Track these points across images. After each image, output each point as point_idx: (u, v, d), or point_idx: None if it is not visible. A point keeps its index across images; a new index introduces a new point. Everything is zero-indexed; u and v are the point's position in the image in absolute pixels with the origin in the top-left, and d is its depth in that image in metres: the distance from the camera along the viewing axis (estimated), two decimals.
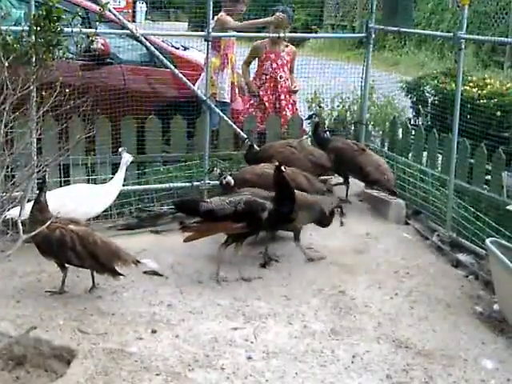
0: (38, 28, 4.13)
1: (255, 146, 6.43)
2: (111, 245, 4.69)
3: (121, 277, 4.69)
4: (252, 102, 7.77)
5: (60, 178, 6.06)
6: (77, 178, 6.14)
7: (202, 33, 6.42)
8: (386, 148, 7.47)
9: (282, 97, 7.73)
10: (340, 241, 5.74)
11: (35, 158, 5.21)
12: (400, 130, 7.42)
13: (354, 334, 4.43)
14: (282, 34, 7.32)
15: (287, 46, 7.83)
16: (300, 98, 8.07)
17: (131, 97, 6.61)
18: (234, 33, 7.50)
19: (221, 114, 6.74)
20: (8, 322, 4.30)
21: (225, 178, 5.64)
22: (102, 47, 6.74)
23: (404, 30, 7.35)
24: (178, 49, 7.69)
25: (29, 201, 4.52)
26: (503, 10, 16.97)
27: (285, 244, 5.76)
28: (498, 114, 7.17)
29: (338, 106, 8.13)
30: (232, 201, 5.01)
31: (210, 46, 6.40)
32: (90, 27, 6.10)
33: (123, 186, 5.78)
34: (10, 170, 4.11)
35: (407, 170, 6.73)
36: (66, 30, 4.39)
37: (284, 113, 7.66)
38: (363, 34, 7.24)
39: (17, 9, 6.80)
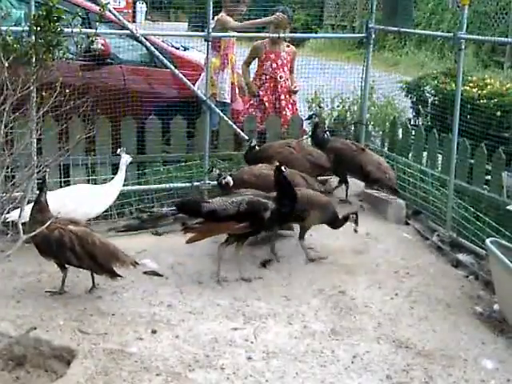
0: (38, 28, 4.14)
1: (256, 147, 6.43)
2: (110, 245, 4.69)
3: (119, 278, 4.68)
4: (252, 102, 7.77)
5: (60, 178, 6.07)
6: (77, 179, 6.14)
7: (202, 33, 6.42)
8: (386, 148, 7.47)
9: (282, 97, 7.73)
10: (340, 241, 5.73)
11: (35, 158, 5.21)
12: (400, 130, 7.41)
13: (354, 335, 4.44)
14: (281, 34, 7.32)
15: (288, 46, 7.83)
16: (300, 98, 8.07)
17: (131, 97, 6.61)
18: (234, 33, 7.50)
19: (221, 114, 6.74)
20: (8, 322, 4.30)
21: (224, 179, 5.65)
22: (102, 47, 6.74)
23: (404, 30, 7.37)
24: (178, 49, 7.69)
25: (29, 202, 4.52)
26: (503, 10, 16.98)
27: (285, 244, 5.76)
28: (498, 114, 7.16)
29: (338, 107, 8.13)
30: (234, 201, 5.01)
31: (210, 46, 6.40)
32: (90, 27, 6.09)
33: (123, 186, 5.78)
34: (10, 170, 4.11)
35: (407, 170, 6.72)
36: (66, 30, 4.40)
37: (284, 113, 7.66)
38: (363, 34, 7.24)
39: (17, 9, 6.80)
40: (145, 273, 5.17)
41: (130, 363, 3.96)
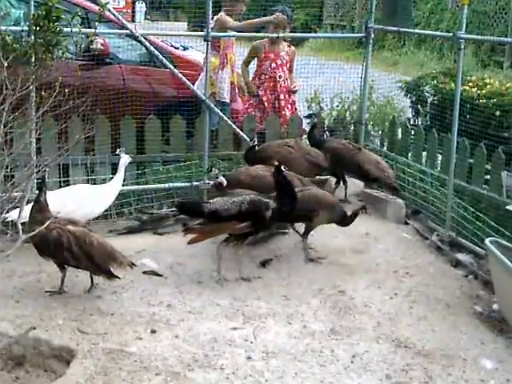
0: (38, 28, 4.14)
1: (256, 146, 6.43)
2: (107, 246, 4.68)
3: (116, 279, 4.67)
4: (251, 101, 7.77)
5: (59, 177, 6.06)
6: (76, 178, 6.14)
7: (202, 33, 6.41)
8: (385, 148, 7.47)
9: (282, 96, 7.73)
10: (339, 241, 5.73)
11: (34, 157, 5.21)
12: (399, 130, 7.41)
13: (353, 334, 4.44)
14: (281, 34, 7.32)
15: (289, 47, 7.83)
16: (299, 98, 8.06)
17: (130, 97, 6.61)
18: (234, 33, 7.50)
19: (220, 113, 6.74)
20: (7, 322, 4.30)
21: (216, 178, 5.66)
22: (102, 47, 6.74)
23: (403, 29, 7.37)
24: (177, 49, 7.70)
25: (28, 203, 4.52)
26: (502, 9, 16.98)
27: (285, 244, 5.76)
28: (498, 113, 7.17)
29: (338, 106, 8.12)
30: (236, 201, 5.01)
31: (209, 46, 6.40)
32: (90, 27, 6.09)
33: (122, 185, 5.78)
34: (9, 170, 4.11)
35: (407, 170, 6.72)
36: (65, 30, 4.40)
37: (283, 112, 7.66)
38: (362, 34, 7.24)
39: (16, 9, 6.80)
40: (144, 272, 5.17)
41: (130, 363, 3.96)
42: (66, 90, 4.20)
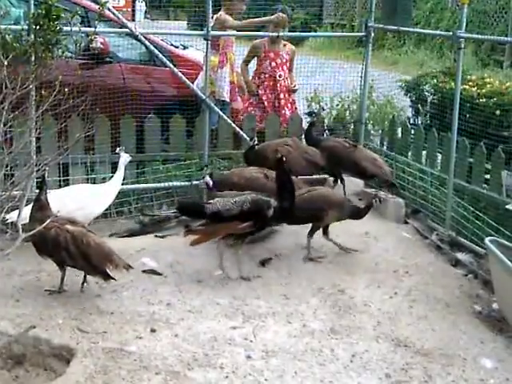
0: (38, 27, 4.14)
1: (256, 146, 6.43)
2: (104, 247, 4.67)
3: (112, 280, 4.66)
4: (251, 100, 7.77)
5: (59, 177, 6.06)
6: (76, 177, 6.14)
7: (202, 32, 6.41)
8: (385, 147, 7.47)
9: (281, 96, 7.74)
10: (339, 240, 5.72)
11: (34, 156, 5.21)
12: (399, 129, 7.41)
13: (353, 333, 4.44)
14: (281, 33, 7.32)
15: (284, 46, 7.82)
16: (299, 97, 8.06)
17: (130, 96, 6.61)
18: (234, 32, 7.49)
19: (220, 113, 6.74)
20: (7, 320, 4.30)
21: (203, 178, 5.67)
22: (102, 46, 6.74)
23: (403, 29, 7.34)
24: (177, 48, 7.69)
25: (28, 204, 4.52)
26: (502, 9, 16.96)
27: (284, 243, 5.76)
28: (498, 113, 7.17)
29: (338, 105, 8.12)
30: (237, 201, 5.01)
31: (209, 45, 6.39)
32: (90, 26, 6.09)
33: (122, 184, 5.78)
34: (9, 168, 4.11)
35: (406, 169, 6.72)
36: (65, 28, 4.40)
37: (283, 112, 7.67)
38: (362, 33, 7.24)
39: (16, 8, 6.80)
40: (144, 271, 5.17)
41: (130, 362, 3.96)
42: (66, 89, 4.20)
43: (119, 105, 6.46)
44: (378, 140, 7.75)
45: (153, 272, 5.19)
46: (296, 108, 7.89)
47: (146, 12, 18.75)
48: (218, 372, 3.93)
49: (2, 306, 4.51)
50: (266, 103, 7.68)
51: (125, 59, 7.14)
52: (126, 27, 6.21)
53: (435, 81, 8.27)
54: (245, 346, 4.21)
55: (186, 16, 15.41)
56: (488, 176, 6.01)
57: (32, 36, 4.23)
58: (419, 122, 8.07)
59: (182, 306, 4.69)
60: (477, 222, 5.62)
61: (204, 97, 6.44)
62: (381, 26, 7.48)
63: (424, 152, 6.88)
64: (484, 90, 7.58)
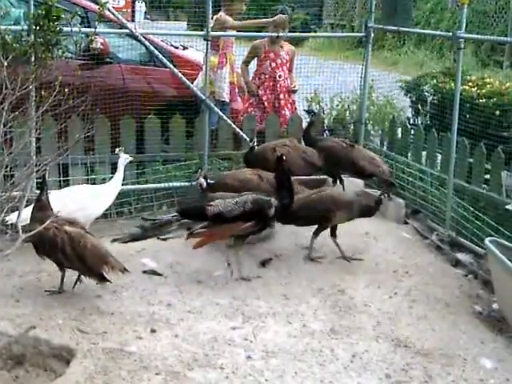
0: (38, 27, 4.14)
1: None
2: (101, 249, 4.66)
3: (108, 283, 4.64)
4: (251, 101, 7.78)
5: (59, 177, 6.06)
6: (76, 178, 6.14)
7: (201, 32, 6.42)
8: (385, 147, 7.46)
9: (281, 96, 7.74)
10: (339, 240, 5.72)
11: (34, 157, 5.21)
12: (399, 130, 7.41)
13: (353, 334, 4.44)
14: (281, 34, 7.32)
15: (282, 47, 7.80)
16: (299, 98, 8.07)
17: (130, 96, 6.61)
18: (234, 32, 7.49)
19: (220, 113, 6.74)
20: (7, 321, 4.30)
21: (197, 179, 5.69)
22: (102, 46, 6.74)
23: (403, 29, 7.36)
24: (177, 48, 7.69)
25: (29, 204, 4.52)
26: (502, 9, 16.97)
27: (284, 243, 5.76)
28: (497, 113, 7.17)
29: (338, 106, 8.12)
30: (239, 201, 5.01)
31: (209, 46, 6.39)
32: (90, 26, 6.09)
33: (122, 185, 5.78)
34: (9, 169, 4.10)
35: (406, 170, 6.72)
36: (65, 29, 4.40)
37: (283, 112, 7.67)
38: (362, 34, 7.24)
39: (16, 8, 6.80)
40: (144, 272, 5.17)
41: (130, 362, 3.96)
42: (66, 90, 4.20)
43: (119, 105, 6.47)
44: (378, 140, 7.75)
45: (153, 272, 5.19)
46: (296, 108, 7.89)
47: (145, 13, 18.73)
48: (218, 372, 3.93)
49: (2, 306, 4.51)
50: (266, 104, 7.69)
51: (125, 60, 7.13)
52: (126, 28, 6.22)
53: (435, 81, 8.27)
54: (245, 347, 4.21)
55: (186, 17, 15.42)
56: (488, 176, 6.01)
57: (32, 36, 4.23)
58: (419, 123, 8.06)
59: (182, 307, 4.69)
60: (477, 222, 5.62)
61: (204, 97, 6.45)
62: (381, 26, 7.49)
63: (424, 152, 6.88)
64: (484, 91, 7.58)
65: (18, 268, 5.06)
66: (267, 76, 7.74)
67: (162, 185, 6.41)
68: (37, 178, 5.31)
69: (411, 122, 8.18)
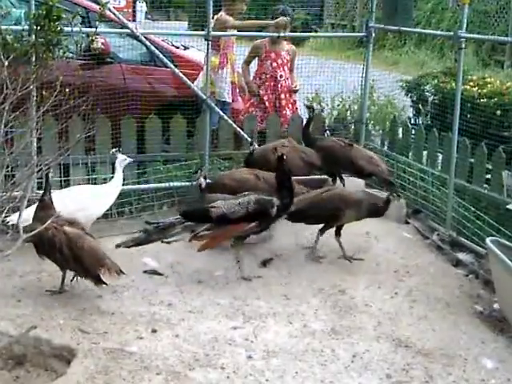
0: (38, 27, 4.14)
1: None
2: (98, 251, 4.65)
3: (103, 285, 4.63)
4: (252, 101, 7.78)
5: (60, 177, 6.06)
6: (77, 178, 6.14)
7: (202, 32, 6.42)
8: (386, 147, 7.46)
9: (282, 96, 7.74)
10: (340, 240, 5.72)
11: (35, 157, 5.21)
12: (400, 130, 7.41)
13: (353, 334, 4.44)
14: (281, 34, 7.31)
15: (279, 45, 7.78)
16: (300, 98, 8.06)
17: (131, 96, 6.61)
18: (235, 32, 7.49)
19: (221, 113, 6.74)
20: (8, 321, 4.30)
21: (197, 179, 5.69)
22: (102, 46, 6.75)
23: (404, 29, 7.36)
24: (178, 48, 7.69)
25: (28, 205, 4.52)
26: (503, 9, 16.96)
27: (285, 243, 5.76)
28: (498, 113, 7.16)
29: (338, 106, 8.12)
30: (241, 202, 5.01)
31: (209, 46, 6.39)
32: (90, 26, 6.09)
33: (123, 185, 5.77)
34: (10, 169, 4.10)
35: (407, 170, 6.72)
36: (66, 29, 4.39)
37: (284, 112, 7.67)
38: (363, 34, 7.23)
39: (17, 8, 6.80)
40: (145, 272, 5.17)
41: (130, 362, 3.96)
42: (67, 90, 4.20)
43: (120, 105, 6.47)
44: (379, 140, 7.75)
45: (154, 272, 5.19)
46: (297, 108, 7.89)
47: (146, 12, 18.74)
48: (218, 372, 3.93)
49: (3, 306, 4.51)
50: (267, 103, 7.69)
51: (126, 60, 7.14)
52: (127, 28, 6.22)
53: (436, 81, 8.26)
54: (245, 347, 4.21)
55: (187, 16, 15.42)
56: (489, 176, 6.00)
57: (33, 36, 4.23)
58: (420, 122, 8.06)
59: (182, 307, 4.69)
60: (477, 222, 5.62)
61: (205, 97, 6.45)
62: (382, 26, 7.49)
63: (425, 152, 6.88)
64: (485, 90, 7.57)
65: (18, 268, 5.06)
66: (268, 76, 7.74)
67: (163, 185, 6.40)
68: (38, 178, 5.31)
69: (412, 121, 8.17)
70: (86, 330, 4.27)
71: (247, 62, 7.90)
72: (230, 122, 6.82)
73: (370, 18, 7.10)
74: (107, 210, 5.80)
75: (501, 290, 4.68)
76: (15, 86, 3.96)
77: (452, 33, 5.91)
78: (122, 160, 5.63)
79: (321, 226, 5.58)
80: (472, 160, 6.17)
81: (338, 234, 5.55)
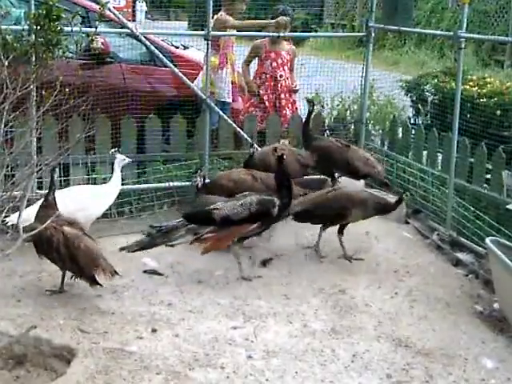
0: (38, 27, 4.13)
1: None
2: (94, 251, 4.64)
3: (98, 286, 4.62)
4: (252, 101, 7.77)
5: (60, 177, 6.06)
6: (77, 178, 6.14)
7: (202, 32, 6.42)
8: (385, 147, 7.46)
9: (282, 96, 7.74)
10: None
11: (35, 157, 5.21)
12: (400, 129, 7.41)
13: (354, 333, 4.44)
14: (282, 34, 7.31)
15: (279, 45, 7.78)
16: (300, 97, 8.06)
17: (131, 96, 6.61)
18: (234, 32, 7.49)
19: (221, 113, 6.74)
20: (8, 321, 4.30)
21: (195, 179, 5.70)
22: (102, 46, 6.74)
23: (404, 29, 7.34)
24: (177, 48, 7.69)
25: (28, 205, 4.52)
26: (503, 8, 16.97)
27: (285, 243, 5.76)
28: (498, 112, 7.17)
29: (338, 105, 8.12)
30: (243, 203, 5.01)
31: (209, 45, 6.39)
32: (90, 26, 6.09)
33: (123, 185, 5.77)
34: (9, 169, 4.10)
35: (407, 169, 6.72)
36: (65, 29, 4.39)
37: (284, 112, 7.67)
38: (363, 33, 7.24)
39: (17, 8, 6.80)
40: (145, 272, 5.17)
41: (130, 362, 3.96)
42: (67, 90, 4.19)
43: (120, 105, 6.47)
44: (379, 140, 7.76)
45: (154, 272, 5.19)
46: (297, 108, 7.89)
47: (146, 12, 18.75)
48: (218, 372, 3.93)
49: (3, 306, 4.51)
50: (266, 103, 7.68)
51: (125, 59, 7.13)
52: (127, 27, 6.21)
53: (436, 81, 8.27)
54: (246, 346, 4.21)
55: (187, 16, 15.42)
56: (489, 176, 6.01)
57: (33, 36, 4.22)
58: (420, 122, 8.06)
59: (182, 306, 4.69)
60: (477, 221, 5.63)
61: (205, 97, 6.44)
62: (381, 26, 7.48)
63: (425, 152, 6.88)
64: (485, 90, 7.58)
65: (18, 268, 5.06)
66: (268, 76, 7.74)
67: (163, 184, 6.40)
68: (38, 178, 5.31)
69: (412, 121, 8.17)
70: (86, 329, 4.27)
71: (247, 62, 7.90)
72: (230, 121, 6.82)
73: (369, 17, 7.11)
74: (107, 210, 5.81)
75: (501, 290, 4.68)
76: (15, 85, 3.95)
77: (452, 33, 5.91)
78: (120, 160, 5.63)
79: None
80: (472, 160, 6.17)
81: (340, 232, 5.55)
